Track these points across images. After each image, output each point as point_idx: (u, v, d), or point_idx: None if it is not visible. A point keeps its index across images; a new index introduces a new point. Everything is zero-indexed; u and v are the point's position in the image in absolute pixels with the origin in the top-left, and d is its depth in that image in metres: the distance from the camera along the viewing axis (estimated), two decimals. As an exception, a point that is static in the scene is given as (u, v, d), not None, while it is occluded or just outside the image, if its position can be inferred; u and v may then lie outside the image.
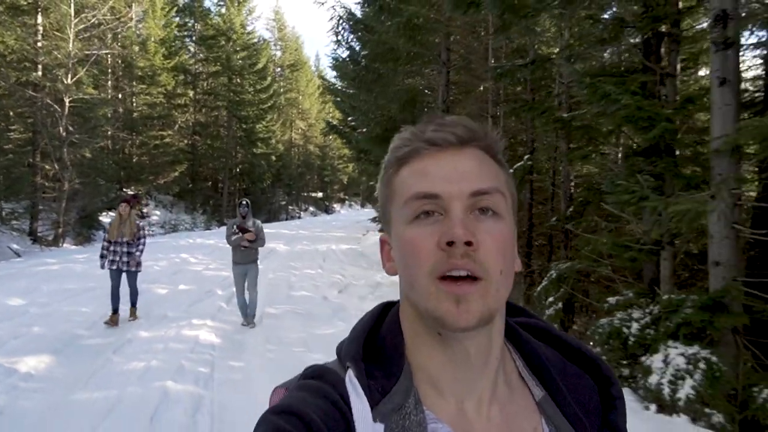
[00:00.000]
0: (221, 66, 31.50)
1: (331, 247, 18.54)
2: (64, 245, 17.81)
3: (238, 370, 5.06)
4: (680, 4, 5.73)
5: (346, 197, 53.22)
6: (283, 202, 41.20)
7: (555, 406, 0.65)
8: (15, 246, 16.19)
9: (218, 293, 9.15)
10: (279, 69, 44.74)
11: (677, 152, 5.57)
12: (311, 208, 46.79)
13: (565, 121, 6.51)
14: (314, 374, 0.64)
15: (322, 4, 10.73)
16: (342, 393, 0.60)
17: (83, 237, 19.53)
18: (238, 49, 32.39)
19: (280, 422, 0.55)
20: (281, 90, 42.54)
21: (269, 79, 35.98)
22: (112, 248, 6.96)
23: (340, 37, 10.80)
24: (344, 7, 11.58)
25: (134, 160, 26.65)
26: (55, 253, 15.15)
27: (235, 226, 7.05)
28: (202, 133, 31.66)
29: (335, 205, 52.16)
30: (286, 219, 38.68)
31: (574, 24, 6.41)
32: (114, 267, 6.93)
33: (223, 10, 32.87)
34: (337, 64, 13.45)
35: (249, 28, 34.57)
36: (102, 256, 7.06)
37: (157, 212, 27.56)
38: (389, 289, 10.21)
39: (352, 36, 10.64)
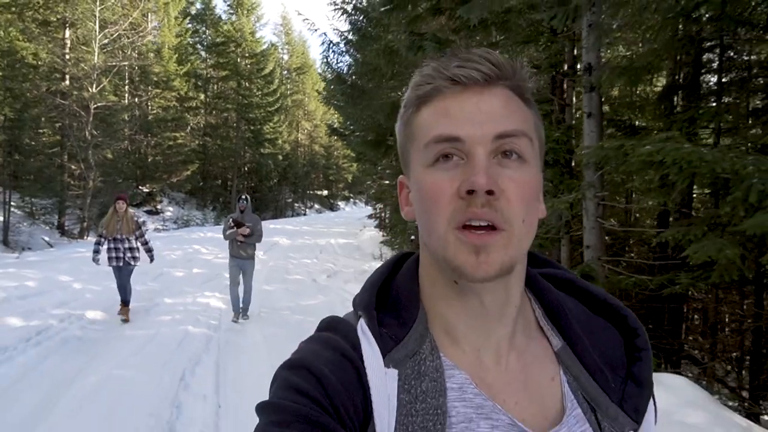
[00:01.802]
0: (230, 71, 33.47)
1: (330, 241, 20.34)
2: (88, 238, 19.81)
3: (236, 334, 6.94)
4: (575, 52, 7.52)
5: (351, 195, 55.07)
6: (289, 200, 43.17)
7: (574, 356, 0.64)
8: (46, 238, 18.26)
9: (225, 275, 10.98)
10: (286, 72, 46.69)
11: (568, 163, 7.37)
12: (316, 206, 48.77)
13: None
14: (327, 326, 0.64)
15: (315, 30, 12.52)
16: (353, 343, 0.60)
17: (104, 231, 21.57)
18: (246, 55, 34.34)
19: (292, 376, 0.56)
20: (288, 92, 44.51)
21: (276, 82, 37.91)
22: (113, 245, 6.88)
23: (330, 60, 12.63)
24: (335, 29, 13.37)
25: (149, 160, 28.67)
26: (82, 244, 17.11)
27: (231, 220, 7.12)
28: (213, 135, 33.64)
29: (340, 203, 54.10)
30: (292, 216, 40.63)
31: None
32: (120, 263, 6.87)
33: (234, 18, 34.83)
34: (328, 82, 15.29)
35: (257, 35, 36.53)
36: (96, 251, 7.01)
37: (170, 208, 29.59)
38: (372, 275, 12.03)
39: (340, 58, 12.46)
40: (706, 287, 6.77)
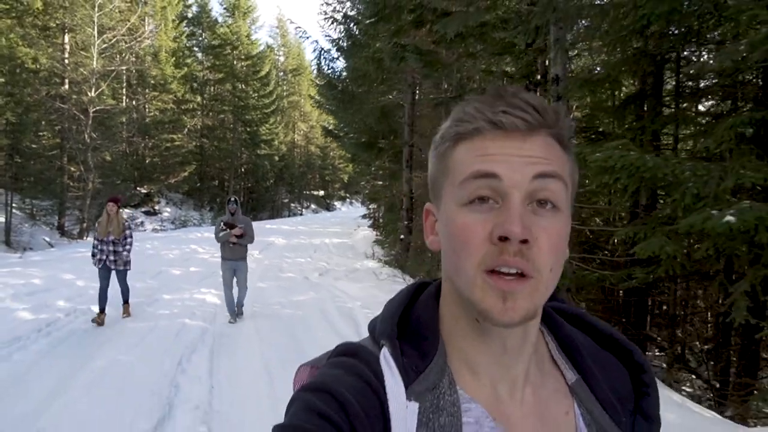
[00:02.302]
0: (227, 73, 33.98)
1: (325, 240, 20.84)
2: (87, 238, 20.30)
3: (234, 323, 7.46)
4: (547, 63, 8.06)
5: (347, 195, 55.58)
6: (286, 200, 43.70)
7: (588, 390, 0.65)
8: (47, 238, 18.75)
9: (221, 274, 11.54)
10: (282, 73, 47.20)
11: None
12: (313, 206, 49.30)
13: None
14: (348, 351, 0.64)
15: (307, 38, 13.04)
16: (376, 371, 0.60)
17: (103, 231, 22.09)
18: (242, 57, 34.85)
19: (314, 400, 0.56)
20: (284, 93, 45.02)
21: (272, 84, 38.43)
22: (99, 247, 6.97)
23: (321, 66, 13.14)
24: (327, 36, 13.88)
25: (147, 162, 29.16)
26: (82, 245, 17.59)
27: (222, 223, 7.15)
28: (209, 136, 34.14)
29: (336, 203, 54.65)
30: (289, 216, 41.15)
31: (475, 74, 8.75)
32: (101, 266, 6.93)
33: (230, 21, 35.33)
34: (320, 87, 15.80)
35: (253, 38, 37.04)
36: (93, 255, 7.07)
37: (168, 209, 30.09)
38: (364, 273, 12.54)
39: (331, 64, 12.98)
40: (681, 281, 7.32)
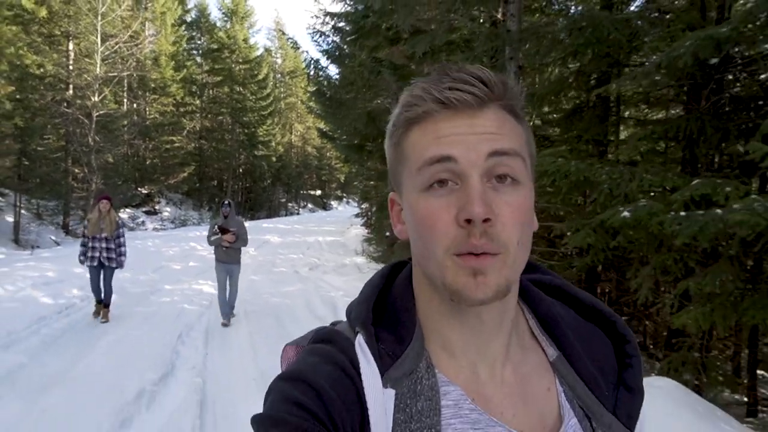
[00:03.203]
0: (225, 77, 34.92)
1: (318, 239, 21.80)
2: (92, 237, 21.27)
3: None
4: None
5: (344, 195, 56.51)
6: (283, 200, 44.66)
7: (569, 366, 0.65)
8: (53, 237, 19.75)
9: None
10: (279, 75, 48.15)
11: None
12: (309, 205, 50.29)
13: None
14: (324, 338, 0.64)
15: (298, 48, 14.05)
16: (352, 359, 0.60)
17: (106, 230, 23.11)
18: (240, 61, 35.79)
19: (290, 389, 0.56)
20: (281, 95, 46.00)
21: (269, 87, 39.36)
22: (91, 244, 6.92)
23: (311, 76, 14.10)
24: (317, 45, 14.84)
25: (147, 163, 30.13)
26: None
27: (216, 227, 7.13)
28: (208, 138, 35.10)
29: (332, 202, 55.63)
30: (286, 215, 42.10)
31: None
32: (95, 263, 6.90)
33: (228, 25, 36.27)
34: (311, 94, 16.78)
35: (251, 42, 37.99)
36: (83, 253, 7.00)
37: (168, 209, 31.06)
38: (352, 268, 13.52)
39: (320, 73, 13.92)
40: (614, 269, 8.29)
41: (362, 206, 27.15)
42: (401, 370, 0.59)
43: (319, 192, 53.75)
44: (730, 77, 6.15)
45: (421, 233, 0.58)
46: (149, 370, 4.71)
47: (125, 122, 24.98)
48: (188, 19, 35.35)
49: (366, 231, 22.75)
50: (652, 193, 5.86)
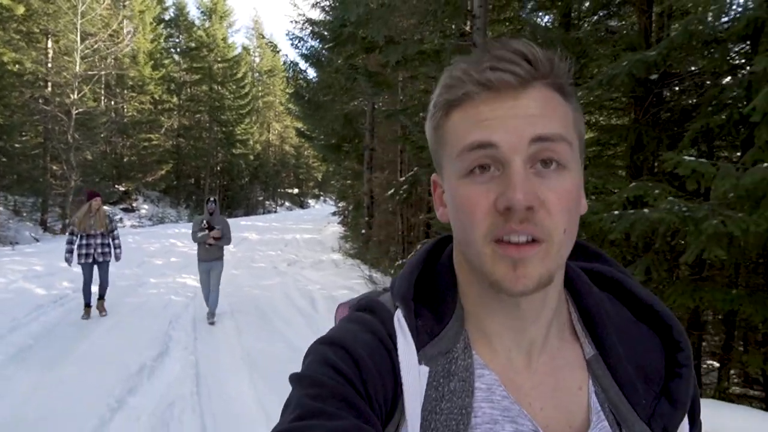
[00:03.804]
0: (203, 75, 35.12)
1: (296, 236, 22.28)
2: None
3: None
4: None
5: (321, 193, 56.94)
6: (261, 198, 44.93)
7: (605, 367, 0.62)
8: (31, 233, 19.93)
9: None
10: (257, 74, 48.37)
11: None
12: (287, 203, 50.63)
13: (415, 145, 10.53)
14: (367, 307, 0.65)
15: (278, 52, 14.56)
16: (390, 331, 0.60)
17: (84, 227, 23.32)
18: (219, 60, 36.02)
19: (330, 353, 0.57)
20: (259, 94, 46.24)
21: (247, 86, 39.63)
22: (84, 241, 6.88)
23: (290, 79, 14.66)
24: (296, 48, 15.39)
25: (125, 160, 30.24)
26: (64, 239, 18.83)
27: (204, 222, 7.08)
28: (186, 135, 35.25)
29: (310, 201, 56.03)
30: (263, 213, 42.40)
31: (414, 93, 10.42)
32: (89, 260, 6.90)
33: (207, 24, 36.45)
34: (290, 96, 17.33)
35: (230, 41, 38.20)
36: (69, 251, 6.87)
37: (145, 206, 31.21)
38: (328, 264, 14.08)
39: (299, 76, 14.48)
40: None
41: (339, 205, 27.72)
42: (437, 349, 0.59)
43: (296, 190, 54.11)
44: (676, 89, 6.91)
45: (461, 219, 0.57)
46: (147, 349, 5.28)
47: (104, 120, 25.13)
48: (166, 17, 35.46)
49: (342, 229, 23.33)
50: (597, 195, 6.59)
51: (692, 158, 4.61)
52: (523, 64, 0.54)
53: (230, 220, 21.79)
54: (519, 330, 0.61)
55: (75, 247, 6.91)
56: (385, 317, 0.62)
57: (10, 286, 8.16)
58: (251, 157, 40.92)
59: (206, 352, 5.54)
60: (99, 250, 7.03)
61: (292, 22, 14.11)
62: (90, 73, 22.48)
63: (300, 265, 13.78)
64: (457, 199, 0.57)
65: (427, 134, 0.64)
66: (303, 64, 15.45)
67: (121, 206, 29.09)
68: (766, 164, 4.31)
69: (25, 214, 20.77)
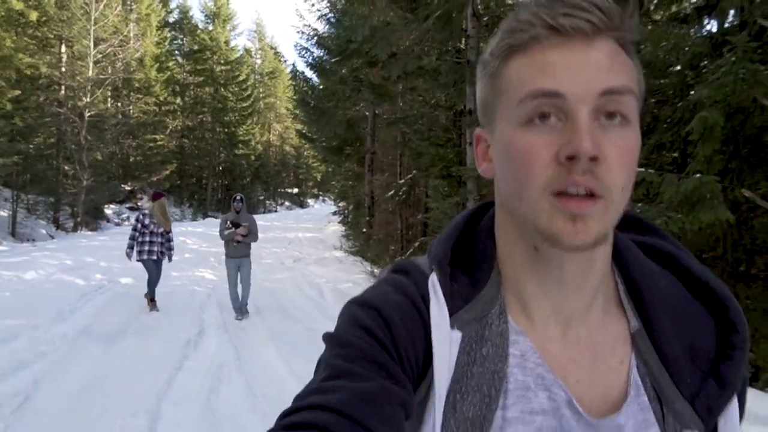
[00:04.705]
0: (206, 77, 36.06)
1: (298, 235, 23.24)
2: (82, 231, 22.43)
3: (225, 284, 9.92)
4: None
5: (320, 193, 57.87)
6: (261, 197, 45.88)
7: (649, 341, 0.60)
8: (45, 231, 20.87)
9: (211, 260, 13.91)
10: (259, 76, 49.32)
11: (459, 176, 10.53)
12: (287, 203, 51.60)
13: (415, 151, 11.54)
14: (402, 269, 0.64)
15: (285, 62, 15.45)
16: (424, 294, 0.59)
17: (93, 225, 24.21)
18: (221, 62, 36.96)
19: (361, 314, 0.57)
20: (261, 95, 47.21)
21: (249, 88, 40.59)
22: (148, 239, 7.23)
23: (296, 86, 15.64)
24: (302, 58, 16.34)
25: (131, 160, 31.19)
26: (81, 236, 19.77)
27: (228, 221, 7.17)
28: (190, 136, 36.18)
29: (309, 200, 56.98)
30: (264, 212, 43.33)
31: (413, 103, 11.43)
32: (154, 257, 7.26)
33: (210, 27, 37.38)
34: (295, 102, 18.29)
35: (232, 44, 39.16)
36: (131, 247, 7.22)
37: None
38: (331, 260, 15.04)
39: (305, 84, 15.45)
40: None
41: (339, 204, 28.64)
42: (472, 314, 0.58)
43: (296, 190, 55.08)
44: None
45: (515, 171, 0.54)
46: (187, 327, 6.27)
47: (114, 122, 26.08)
48: (171, 19, 36.37)
49: (343, 228, 24.24)
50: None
51: (641, 169, 5.60)
52: (597, 12, 0.51)
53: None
54: (559, 298, 0.59)
55: (138, 244, 7.27)
56: (419, 279, 0.61)
57: (51, 278, 9.12)
58: (253, 158, 41.88)
59: (236, 332, 6.52)
60: (162, 249, 7.42)
61: (298, 32, 15.05)
62: (102, 76, 23.41)
63: (305, 262, 14.73)
64: (514, 149, 0.54)
65: (479, 85, 0.61)
66: (309, 73, 16.41)
67: (127, 205, 30.04)
68: (698, 175, 5.34)
69: (39, 213, 21.69)
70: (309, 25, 15.16)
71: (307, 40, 14.60)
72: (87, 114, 22.22)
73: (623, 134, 0.52)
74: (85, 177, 22.41)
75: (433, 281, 0.60)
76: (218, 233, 7.43)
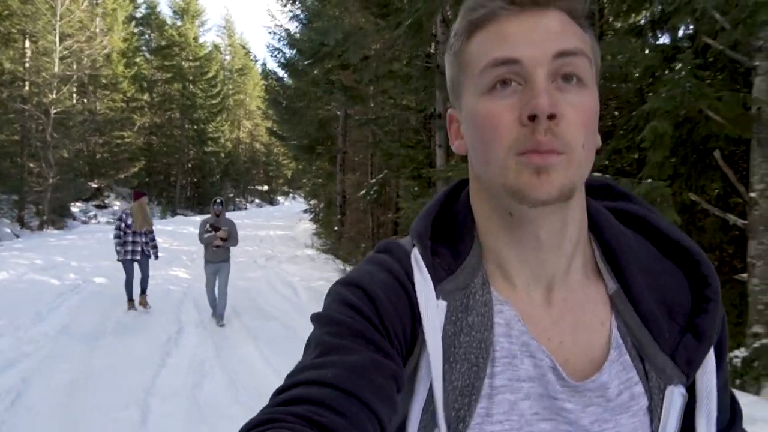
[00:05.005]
0: (175, 74, 35.64)
1: (269, 233, 23.29)
2: (48, 230, 22.09)
3: (200, 283, 10.05)
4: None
5: (290, 190, 57.74)
6: (231, 195, 45.56)
7: (627, 301, 0.62)
8: (9, 230, 20.49)
9: (183, 258, 13.97)
10: (228, 72, 48.90)
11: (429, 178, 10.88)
12: (257, 200, 51.38)
13: (386, 152, 11.83)
14: (384, 249, 0.66)
15: (256, 62, 15.54)
16: (407, 269, 0.61)
17: (60, 223, 23.84)
18: (190, 58, 36.59)
19: (347, 293, 0.59)
20: (230, 92, 46.83)
21: (219, 85, 40.28)
22: (131, 239, 7.22)
23: (268, 86, 15.77)
24: (274, 57, 16.42)
25: (98, 158, 30.69)
26: (47, 235, 19.51)
27: (208, 225, 7.06)
28: (158, 133, 35.72)
29: (280, 198, 56.83)
30: (234, 210, 43.06)
31: (384, 105, 11.72)
32: (135, 257, 7.31)
33: (179, 23, 36.95)
34: (267, 102, 18.40)
35: (201, 40, 38.78)
36: (120, 244, 7.24)
37: (117, 202, 31.67)
38: (303, 258, 15.23)
39: (276, 84, 15.58)
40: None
41: (310, 203, 28.73)
42: (455, 284, 0.60)
43: (266, 187, 54.87)
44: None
45: (482, 136, 0.57)
46: (167, 325, 6.46)
47: (80, 119, 25.68)
48: (138, 15, 35.82)
49: (314, 226, 24.35)
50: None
51: (598, 174, 6.01)
52: None
53: (202, 217, 22.53)
54: (538, 263, 0.61)
55: (123, 242, 7.28)
56: (401, 256, 0.63)
57: (23, 278, 9.14)
58: (222, 155, 41.59)
59: (215, 330, 6.73)
60: (145, 248, 7.46)
61: (270, 33, 15.17)
62: (68, 73, 23.05)
63: (277, 260, 14.89)
64: (479, 116, 0.57)
65: (447, 67, 0.64)
66: (281, 73, 16.54)
67: (94, 203, 29.57)
68: (649, 180, 5.77)
69: (3, 211, 21.26)
70: (281, 26, 15.31)
71: (279, 40, 14.76)
72: (53, 111, 21.86)
73: (579, 95, 0.55)
74: (51, 175, 22.05)
75: (416, 256, 0.62)
76: (197, 236, 7.33)
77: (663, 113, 5.74)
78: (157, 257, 7.79)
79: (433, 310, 0.58)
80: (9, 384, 4.29)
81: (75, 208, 27.11)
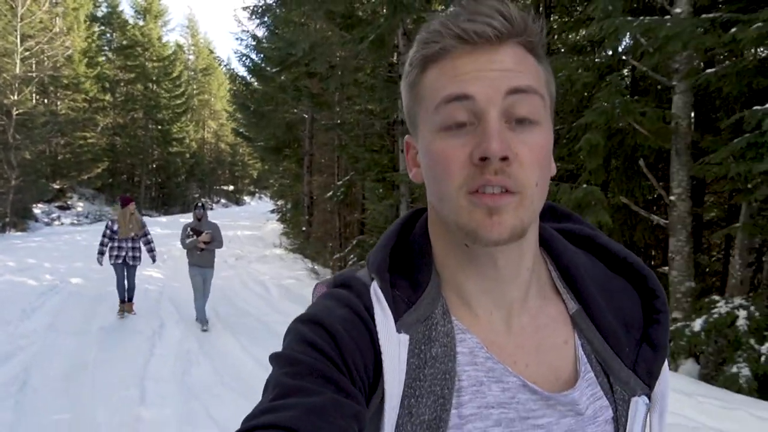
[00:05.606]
0: (138, 74, 35.42)
1: (237, 233, 23.52)
2: (10, 232, 21.94)
3: (175, 282, 10.49)
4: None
5: (256, 190, 57.67)
6: (197, 195, 45.37)
7: (588, 320, 0.64)
8: (-28, 233, 20.31)
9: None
10: (192, 72, 48.61)
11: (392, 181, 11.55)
12: (223, 201, 51.26)
13: (352, 156, 12.43)
14: (342, 283, 0.65)
15: (221, 64, 16.02)
16: (366, 304, 0.61)
17: (22, 225, 23.67)
18: (154, 58, 36.40)
19: (307, 331, 0.58)
20: (194, 92, 46.61)
21: (183, 85, 40.14)
22: (117, 244, 7.26)
23: (235, 90, 16.19)
24: (241, 61, 16.81)
25: (60, 159, 30.36)
26: (11, 237, 19.46)
27: (189, 229, 7.01)
28: (122, 134, 35.38)
29: (246, 198, 56.75)
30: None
31: (349, 111, 12.37)
32: (120, 261, 7.32)
33: (141, 23, 36.70)
34: (235, 106, 18.77)
35: (164, 40, 38.59)
36: (101, 252, 7.30)
37: (81, 204, 31.40)
38: (273, 258, 15.71)
39: (244, 88, 16.00)
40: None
41: (277, 203, 28.99)
42: (415, 316, 0.60)
43: (232, 187, 54.74)
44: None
45: (436, 173, 0.57)
46: (149, 321, 6.94)
47: (43, 120, 25.45)
48: (99, 14, 35.42)
49: (282, 226, 24.67)
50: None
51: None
52: (499, 18, 0.55)
53: (168, 218, 22.88)
54: (497, 291, 0.62)
55: (108, 248, 7.35)
56: (361, 290, 0.62)
57: (0, 279, 9.42)
58: (187, 155, 41.44)
59: (195, 324, 7.23)
60: (130, 254, 7.42)
61: (237, 39, 15.56)
62: (30, 74, 22.90)
63: (247, 260, 15.34)
64: (433, 153, 0.57)
65: (403, 94, 0.64)
66: (249, 77, 16.95)
67: (56, 204, 29.25)
68: (585, 185, 6.56)
69: (-35, 214, 21.05)
70: (248, 31, 15.74)
71: (246, 47, 15.18)
72: (15, 112, 21.71)
73: (532, 134, 0.55)
74: (13, 176, 21.89)
75: (375, 289, 0.61)
76: (179, 242, 7.27)
77: (596, 126, 6.53)
78: (154, 260, 7.92)
79: (394, 345, 0.58)
80: (14, 372, 4.76)
81: (37, 209, 26.81)
